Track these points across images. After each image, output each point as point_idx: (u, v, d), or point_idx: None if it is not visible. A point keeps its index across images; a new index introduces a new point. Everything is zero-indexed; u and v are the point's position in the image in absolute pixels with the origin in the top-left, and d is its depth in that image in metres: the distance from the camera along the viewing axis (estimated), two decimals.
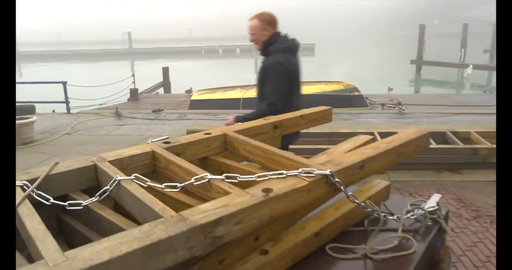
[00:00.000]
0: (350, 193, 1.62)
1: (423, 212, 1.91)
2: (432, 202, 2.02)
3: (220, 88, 13.24)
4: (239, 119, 3.25)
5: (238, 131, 2.07)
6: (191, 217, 1.19)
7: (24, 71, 37.64)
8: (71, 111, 11.22)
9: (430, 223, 1.91)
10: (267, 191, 1.38)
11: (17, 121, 7.70)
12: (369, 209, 1.75)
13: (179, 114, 10.68)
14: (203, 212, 1.22)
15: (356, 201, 1.66)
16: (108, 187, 1.47)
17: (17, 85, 12.15)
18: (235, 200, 1.30)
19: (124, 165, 1.68)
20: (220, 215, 1.21)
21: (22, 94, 12.69)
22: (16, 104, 11.13)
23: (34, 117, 8.28)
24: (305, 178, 1.48)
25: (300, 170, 1.51)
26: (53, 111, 12.11)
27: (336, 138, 5.95)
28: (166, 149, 1.79)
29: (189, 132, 6.61)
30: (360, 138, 2.30)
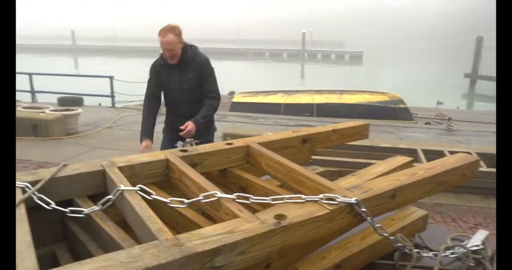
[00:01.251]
0: (378, 225, 1.43)
1: (465, 250, 1.68)
2: (477, 239, 1.78)
3: (262, 92, 13.15)
4: (199, 123, 3.36)
5: (263, 144, 1.92)
6: (188, 243, 1.05)
7: (80, 64, 39.45)
8: (116, 105, 11.50)
9: (472, 264, 1.67)
10: (280, 217, 1.22)
11: (63, 113, 7.95)
12: (399, 244, 1.54)
13: (218, 116, 10.65)
14: (203, 238, 1.08)
15: (385, 234, 1.46)
16: (111, 196, 1.37)
17: (69, 77, 12.65)
18: (242, 226, 1.15)
19: (135, 171, 1.58)
20: (222, 242, 1.07)
21: (74, 86, 13.25)
22: (66, 95, 11.60)
23: (80, 110, 8.52)
24: (326, 206, 1.31)
25: (321, 196, 1.34)
26: (99, 104, 12.49)
27: (375, 152, 5.65)
28: (182, 157, 1.67)
29: (225, 135, 6.54)
30: (397, 159, 2.08)
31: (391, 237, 1.50)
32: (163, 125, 3.82)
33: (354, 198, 1.34)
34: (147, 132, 3.54)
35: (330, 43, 71.98)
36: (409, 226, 1.83)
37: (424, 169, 1.67)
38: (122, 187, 1.34)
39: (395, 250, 1.68)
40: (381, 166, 1.99)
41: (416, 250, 1.61)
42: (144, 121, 3.61)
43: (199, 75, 3.51)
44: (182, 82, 3.53)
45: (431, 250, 1.74)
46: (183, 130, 3.25)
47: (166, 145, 3.60)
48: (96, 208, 1.39)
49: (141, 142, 3.52)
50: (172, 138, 3.53)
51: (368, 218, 1.38)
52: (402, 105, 11.45)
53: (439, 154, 5.40)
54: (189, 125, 3.28)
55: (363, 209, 1.35)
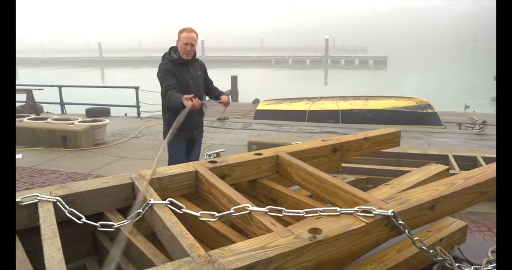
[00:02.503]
0: (417, 238, 1.36)
1: None
2: None
3: (287, 99, 13.10)
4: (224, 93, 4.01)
5: (292, 153, 1.88)
6: (221, 259, 1.02)
7: (106, 76, 40.41)
8: (141, 115, 11.68)
9: None
10: (314, 231, 1.17)
11: (91, 124, 8.12)
12: (439, 258, 1.46)
13: (243, 124, 10.67)
14: (236, 254, 1.05)
15: (424, 247, 1.39)
16: (140, 210, 1.35)
17: (96, 89, 12.96)
18: (275, 241, 1.11)
19: (164, 184, 1.56)
20: (255, 259, 1.03)
21: (101, 97, 13.56)
22: (94, 106, 11.88)
23: (106, 121, 8.67)
24: (362, 218, 1.25)
25: (357, 208, 1.29)
26: (125, 114, 12.71)
27: (404, 158, 5.49)
28: (211, 169, 1.65)
29: (251, 144, 6.51)
30: (432, 167, 2.00)
31: (431, 251, 1.43)
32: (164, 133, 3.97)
33: (391, 210, 1.28)
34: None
35: (353, 48, 71.46)
36: (448, 238, 1.75)
37: (463, 178, 1.59)
38: (152, 201, 1.33)
39: (433, 263, 1.60)
40: (415, 175, 1.92)
41: (457, 264, 1.53)
42: (178, 94, 3.55)
43: (203, 73, 4.01)
44: (197, 78, 3.89)
45: (472, 264, 1.65)
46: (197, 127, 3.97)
47: (181, 150, 3.87)
48: (126, 222, 1.37)
49: (182, 100, 3.34)
50: (192, 137, 3.95)
51: (406, 231, 1.31)
52: (430, 110, 11.17)
53: (472, 160, 5.21)
54: (226, 97, 3.90)
55: (401, 222, 1.29)
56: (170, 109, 3.72)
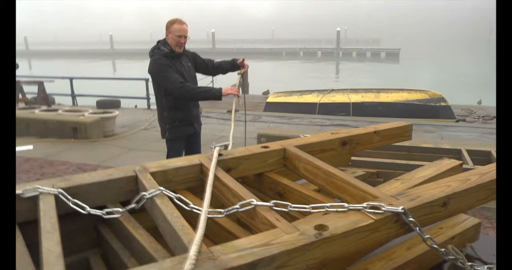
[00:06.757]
0: (428, 236, 1.31)
1: None
2: None
3: (297, 92, 12.99)
4: None
5: (300, 147, 1.83)
6: (222, 256, 0.98)
7: (117, 68, 40.56)
8: (151, 107, 11.69)
9: None
10: (321, 228, 1.13)
11: (101, 116, 8.15)
12: (451, 256, 1.41)
13: (253, 116, 10.61)
14: (239, 250, 1.01)
15: (435, 246, 1.34)
16: (146, 194, 1.33)
17: (107, 81, 12.99)
18: (280, 237, 1.07)
19: (168, 177, 1.53)
20: (258, 256, 0.99)
21: (112, 88, 13.61)
22: (104, 98, 11.93)
23: (117, 112, 8.69)
24: (370, 215, 1.20)
25: (365, 204, 1.24)
26: (135, 106, 12.74)
27: (416, 152, 5.39)
28: (217, 162, 1.61)
29: (260, 136, 6.46)
30: (445, 162, 1.93)
31: (442, 249, 1.37)
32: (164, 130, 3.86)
33: (401, 207, 1.23)
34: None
35: (365, 41, 70.63)
36: (460, 236, 1.69)
37: (477, 174, 1.53)
38: (159, 190, 1.30)
39: (444, 262, 1.55)
40: (427, 170, 1.86)
41: (469, 263, 1.47)
42: (205, 87, 3.77)
43: (193, 63, 3.85)
44: (190, 70, 3.77)
45: (485, 263, 1.59)
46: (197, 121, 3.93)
47: (181, 147, 3.86)
48: (132, 205, 1.36)
49: (222, 92, 3.52)
50: (194, 131, 3.90)
51: (417, 228, 1.26)
52: (443, 103, 10.99)
53: (486, 155, 5.10)
54: (240, 60, 3.82)
55: (411, 219, 1.24)
56: (176, 107, 3.69)
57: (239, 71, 3.83)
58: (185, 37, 3.60)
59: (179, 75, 3.57)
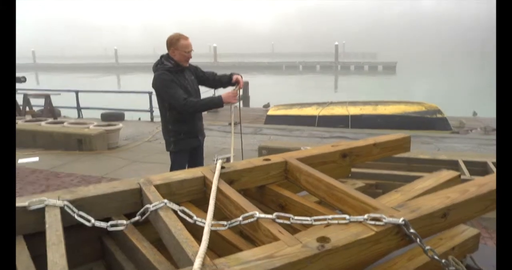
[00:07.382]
0: (428, 247, 1.33)
1: None
2: None
3: (297, 105, 13.07)
4: None
5: (301, 159, 1.86)
6: (226, 269, 1.00)
7: (122, 82, 40.83)
8: (154, 120, 11.76)
9: None
10: (323, 240, 1.15)
11: (105, 128, 8.21)
12: (452, 267, 1.43)
13: (254, 129, 10.66)
14: (242, 263, 1.03)
15: (436, 257, 1.35)
16: (151, 206, 1.35)
17: (111, 94, 13.10)
18: (282, 250, 1.09)
19: (172, 189, 1.56)
20: (262, 268, 1.01)
21: (116, 102, 13.71)
22: (109, 111, 12.05)
23: (120, 125, 8.75)
24: (371, 227, 1.22)
25: (366, 216, 1.26)
26: (139, 119, 12.82)
27: (414, 163, 5.41)
28: (219, 175, 1.64)
29: (261, 148, 6.50)
30: (443, 174, 1.96)
31: (443, 260, 1.39)
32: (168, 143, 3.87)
33: (402, 218, 1.25)
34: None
35: (363, 54, 71.17)
36: (460, 246, 1.71)
37: (475, 185, 1.55)
38: (163, 203, 1.32)
39: None
40: (426, 181, 1.88)
41: None
42: (206, 98, 3.76)
43: (195, 76, 3.89)
44: (193, 83, 3.82)
45: None
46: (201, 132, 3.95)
47: (185, 159, 3.85)
48: (137, 218, 1.38)
49: (222, 99, 3.57)
50: (199, 143, 3.92)
51: (418, 240, 1.28)
52: (439, 115, 11.10)
53: (483, 166, 5.11)
54: (236, 76, 3.80)
55: (412, 230, 1.26)
56: (180, 120, 3.73)
57: (235, 87, 3.84)
58: (191, 52, 3.67)
59: (183, 89, 3.61)
